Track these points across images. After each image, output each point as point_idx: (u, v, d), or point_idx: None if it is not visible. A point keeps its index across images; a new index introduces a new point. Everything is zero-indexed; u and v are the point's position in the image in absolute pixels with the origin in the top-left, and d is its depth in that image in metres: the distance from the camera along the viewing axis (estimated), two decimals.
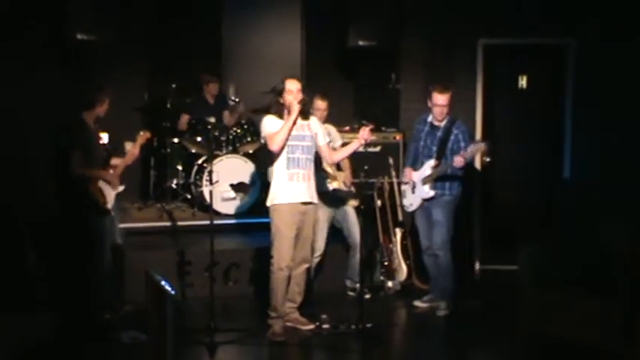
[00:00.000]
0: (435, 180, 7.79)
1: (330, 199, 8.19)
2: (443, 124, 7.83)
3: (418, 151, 8.02)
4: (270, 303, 7.21)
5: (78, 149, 7.15)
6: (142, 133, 7.73)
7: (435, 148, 7.82)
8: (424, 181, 7.85)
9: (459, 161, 7.53)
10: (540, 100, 9.63)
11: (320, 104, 7.99)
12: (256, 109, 9.56)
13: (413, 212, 8.14)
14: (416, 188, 7.95)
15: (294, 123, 7.02)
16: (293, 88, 7.05)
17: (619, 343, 6.25)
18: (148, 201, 10.04)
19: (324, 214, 8.08)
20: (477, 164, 9.38)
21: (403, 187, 8.20)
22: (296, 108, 6.97)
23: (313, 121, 7.27)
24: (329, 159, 7.59)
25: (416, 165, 7.98)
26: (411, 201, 8.04)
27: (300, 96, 7.02)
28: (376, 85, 10.26)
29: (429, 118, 7.92)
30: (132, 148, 7.58)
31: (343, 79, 10.59)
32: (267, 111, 7.30)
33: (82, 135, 7.26)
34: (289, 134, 7.00)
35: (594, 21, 9.08)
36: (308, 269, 7.52)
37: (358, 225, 8.31)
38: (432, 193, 7.81)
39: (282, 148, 7.02)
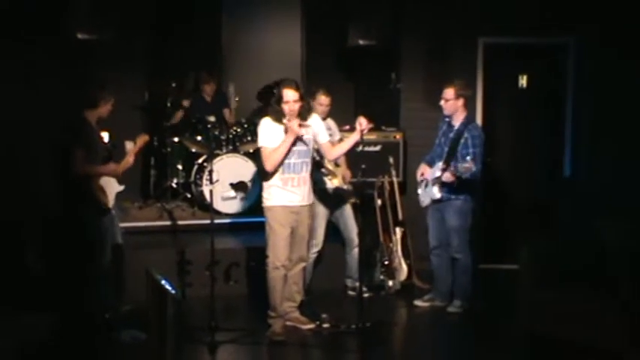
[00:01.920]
0: (442, 184, 7.78)
1: (330, 195, 8.20)
2: (457, 125, 7.82)
3: (435, 149, 8.03)
4: (269, 303, 7.21)
5: (80, 148, 7.14)
6: (140, 136, 7.73)
7: (446, 149, 7.81)
8: (433, 182, 7.85)
9: (447, 177, 7.57)
10: (540, 99, 9.63)
11: (323, 99, 8.01)
12: (254, 111, 9.59)
13: (426, 210, 8.13)
14: (427, 186, 7.94)
15: (293, 144, 6.99)
16: (290, 99, 6.97)
17: (618, 342, 6.25)
18: (148, 200, 10.03)
19: (323, 209, 8.09)
20: None
21: (419, 178, 8.14)
22: (295, 129, 6.90)
23: (313, 120, 7.23)
24: (329, 156, 7.57)
25: (432, 163, 7.97)
26: (423, 197, 8.04)
27: (297, 107, 6.96)
28: (376, 85, 10.25)
29: (448, 118, 7.94)
30: (128, 156, 7.55)
31: (343, 78, 10.57)
32: (264, 113, 7.28)
33: (85, 134, 7.24)
34: (286, 155, 6.98)
35: (594, 20, 9.07)
36: (304, 268, 7.51)
37: (354, 220, 8.33)
38: (438, 195, 7.80)
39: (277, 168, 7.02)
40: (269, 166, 7.00)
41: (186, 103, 10.28)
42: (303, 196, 7.14)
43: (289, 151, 6.97)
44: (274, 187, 7.08)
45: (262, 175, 7.25)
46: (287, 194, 7.07)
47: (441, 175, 7.69)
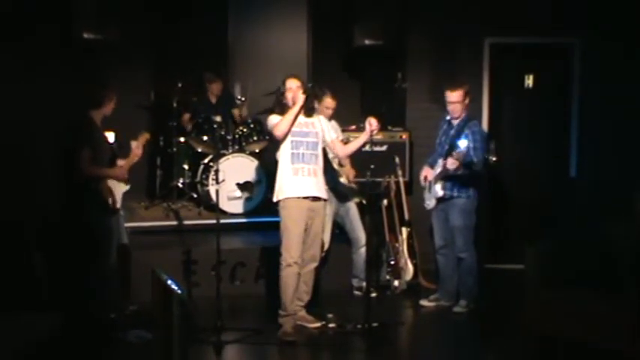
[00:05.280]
0: (446, 180, 7.78)
1: (335, 195, 8.20)
2: (457, 122, 7.83)
3: (436, 150, 8.03)
4: (281, 301, 7.18)
5: (87, 149, 7.15)
6: (142, 133, 7.74)
7: (446, 147, 7.81)
8: (435, 180, 7.85)
9: (451, 163, 7.54)
10: (546, 99, 9.63)
11: (330, 102, 8.02)
12: (261, 111, 9.57)
13: (431, 211, 8.12)
14: (431, 187, 7.94)
15: (299, 112, 7.02)
16: (293, 86, 7.10)
17: (625, 343, 6.23)
18: (154, 200, 10.04)
19: (328, 209, 8.09)
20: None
21: (422, 182, 8.15)
22: (301, 98, 6.97)
23: (318, 119, 7.28)
24: (340, 153, 7.57)
25: (434, 164, 7.96)
26: (428, 200, 8.04)
27: (300, 94, 7.01)
28: (382, 85, 10.25)
29: (448, 117, 7.93)
30: (135, 149, 7.58)
31: (349, 78, 10.57)
32: (271, 111, 7.32)
33: (91, 134, 7.26)
34: (294, 122, 7.01)
35: (600, 20, 9.07)
36: (316, 268, 7.50)
37: (360, 220, 8.33)
38: (440, 193, 7.81)
39: (286, 136, 7.02)
40: (278, 131, 7.00)
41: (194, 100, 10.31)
42: (314, 188, 7.12)
43: (294, 121, 6.99)
44: (285, 178, 7.08)
45: (276, 168, 7.23)
46: (299, 184, 7.06)
47: (443, 168, 7.68)
